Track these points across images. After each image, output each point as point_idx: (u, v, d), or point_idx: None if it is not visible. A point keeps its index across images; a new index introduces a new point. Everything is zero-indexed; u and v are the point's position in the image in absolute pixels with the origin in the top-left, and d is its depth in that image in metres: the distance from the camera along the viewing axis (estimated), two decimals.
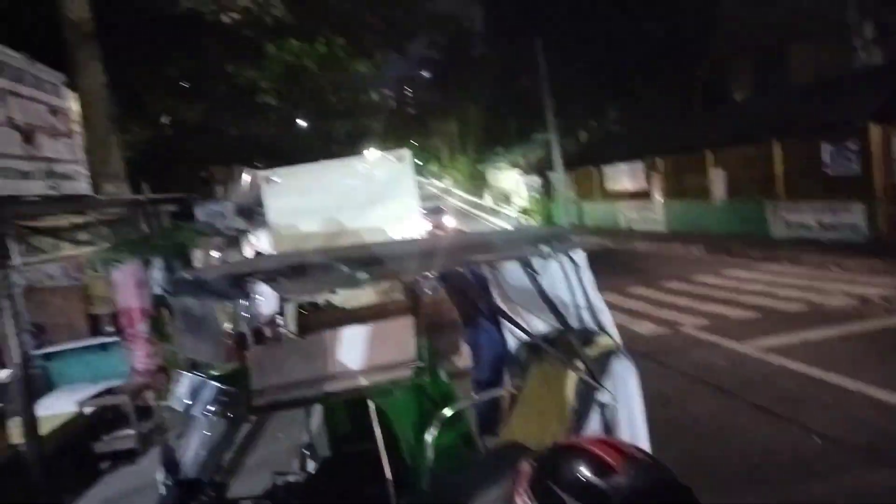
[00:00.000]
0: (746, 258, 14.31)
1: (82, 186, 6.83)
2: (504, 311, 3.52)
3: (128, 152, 11.57)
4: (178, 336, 2.99)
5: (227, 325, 2.65)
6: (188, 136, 17.05)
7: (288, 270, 2.30)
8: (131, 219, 8.02)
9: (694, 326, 9.16)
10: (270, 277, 2.24)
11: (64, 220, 6.46)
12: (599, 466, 1.33)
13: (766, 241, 15.42)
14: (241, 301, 2.30)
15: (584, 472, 1.33)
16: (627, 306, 10.88)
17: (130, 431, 6.45)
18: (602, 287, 3.16)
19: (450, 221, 27.82)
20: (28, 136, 5.71)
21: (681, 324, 9.39)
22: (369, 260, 2.44)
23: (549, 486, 1.33)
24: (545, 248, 2.68)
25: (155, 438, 6.56)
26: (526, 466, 1.42)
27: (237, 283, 2.27)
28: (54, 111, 6.38)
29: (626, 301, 11.33)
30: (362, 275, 2.30)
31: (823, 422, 5.56)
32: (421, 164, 67.56)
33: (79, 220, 6.77)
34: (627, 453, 1.37)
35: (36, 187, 5.76)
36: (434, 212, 28.64)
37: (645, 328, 9.40)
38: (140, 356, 7.82)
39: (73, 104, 7.49)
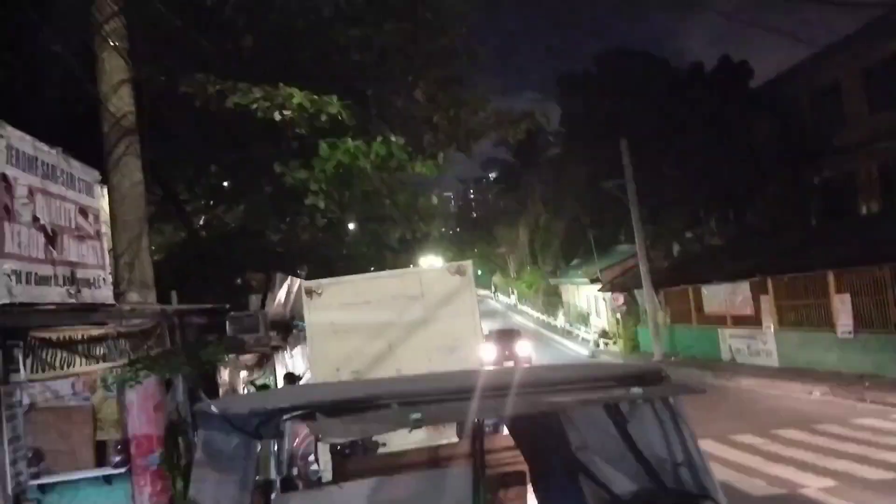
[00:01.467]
0: (882, 404, 13.59)
1: (104, 294, 7.09)
2: (583, 465, 3.40)
3: (158, 255, 12.02)
4: (196, 477, 2.97)
5: (254, 469, 2.62)
6: (225, 239, 17.69)
7: (328, 406, 2.29)
8: (155, 331, 8.24)
9: (818, 488, 8.67)
10: (307, 414, 2.22)
11: (80, 332, 6.67)
12: None
13: None
14: (271, 441, 2.28)
15: None
16: (733, 459, 10.45)
17: None
18: (700, 433, 3.04)
19: (523, 349, 26.45)
20: (52, 238, 6.02)
21: (802, 485, 8.91)
22: (423, 396, 2.41)
23: None
24: (636, 390, 2.60)
25: None
26: None
27: (269, 419, 2.26)
28: (83, 211, 6.74)
29: (732, 453, 10.88)
30: (415, 415, 2.26)
31: None
32: (485, 275, 68.25)
33: (96, 331, 6.98)
34: None
35: (55, 294, 6.00)
36: (504, 335, 27.73)
37: (756, 488, 8.96)
38: (148, 493, 7.81)
39: (104, 203, 7.92)
